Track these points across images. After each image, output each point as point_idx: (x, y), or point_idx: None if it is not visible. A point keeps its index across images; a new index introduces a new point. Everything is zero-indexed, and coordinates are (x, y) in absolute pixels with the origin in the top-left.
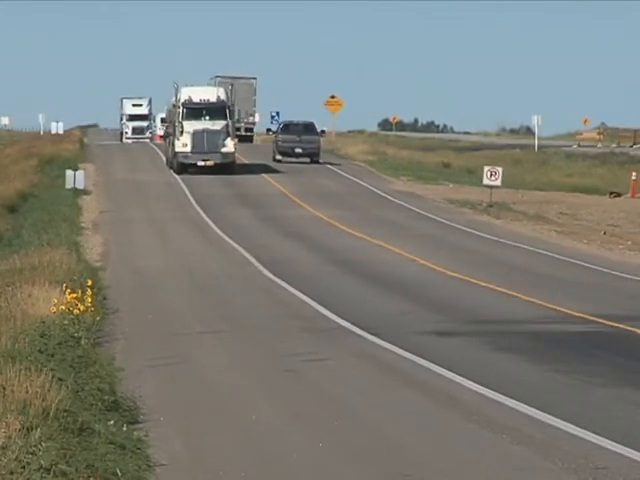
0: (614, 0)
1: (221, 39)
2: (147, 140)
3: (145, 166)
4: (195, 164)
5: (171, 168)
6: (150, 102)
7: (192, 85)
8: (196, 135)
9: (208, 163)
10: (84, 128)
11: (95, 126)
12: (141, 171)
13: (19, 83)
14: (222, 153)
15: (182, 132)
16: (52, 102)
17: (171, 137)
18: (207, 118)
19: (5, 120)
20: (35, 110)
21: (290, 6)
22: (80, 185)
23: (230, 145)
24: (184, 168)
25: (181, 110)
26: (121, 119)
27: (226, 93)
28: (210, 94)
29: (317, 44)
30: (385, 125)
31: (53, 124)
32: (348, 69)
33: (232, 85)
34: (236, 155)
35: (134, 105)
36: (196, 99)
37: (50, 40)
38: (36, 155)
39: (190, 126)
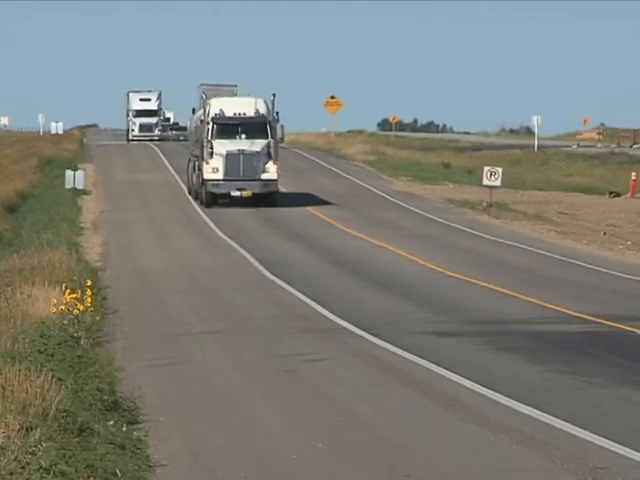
0: (614, 0)
1: (221, 39)
2: (156, 138)
3: (147, 167)
4: (228, 194)
5: (196, 199)
6: (160, 96)
7: (223, 95)
8: (230, 158)
9: (244, 193)
10: (84, 128)
11: (95, 126)
12: (142, 172)
13: (19, 83)
14: (262, 181)
15: (212, 154)
16: (52, 102)
17: (197, 160)
18: (243, 136)
19: (5, 120)
20: (35, 110)
21: (290, 6)
22: (80, 185)
23: (272, 170)
24: (214, 199)
25: (210, 126)
26: (127, 115)
27: (266, 105)
28: (247, 106)
29: (317, 44)
30: (385, 125)
31: (53, 124)
32: (348, 69)
33: (218, 94)
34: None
35: (142, 100)
36: (229, 112)
37: (50, 40)
38: (36, 155)
39: (222, 147)
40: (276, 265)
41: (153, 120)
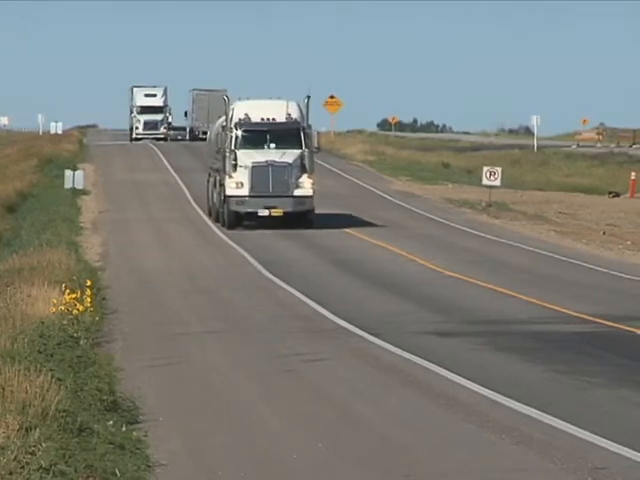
0: (614, 0)
1: (222, 39)
2: (161, 137)
3: (146, 167)
4: (255, 213)
5: (217, 221)
6: (165, 92)
7: (249, 98)
8: (257, 171)
9: (274, 212)
10: (83, 128)
11: (94, 126)
12: (142, 172)
13: (18, 83)
14: (295, 197)
15: (235, 166)
16: (51, 102)
17: (217, 175)
18: (273, 145)
19: (4, 120)
20: (34, 110)
21: (290, 6)
22: (79, 185)
23: (307, 185)
24: (237, 220)
25: (234, 134)
26: (131, 112)
27: (299, 108)
28: (277, 110)
29: (317, 44)
30: (384, 125)
31: (52, 124)
32: (348, 69)
33: (209, 98)
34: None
35: (147, 95)
36: (256, 117)
37: (49, 40)
38: (35, 155)
39: (247, 157)
40: (275, 265)
41: (158, 117)
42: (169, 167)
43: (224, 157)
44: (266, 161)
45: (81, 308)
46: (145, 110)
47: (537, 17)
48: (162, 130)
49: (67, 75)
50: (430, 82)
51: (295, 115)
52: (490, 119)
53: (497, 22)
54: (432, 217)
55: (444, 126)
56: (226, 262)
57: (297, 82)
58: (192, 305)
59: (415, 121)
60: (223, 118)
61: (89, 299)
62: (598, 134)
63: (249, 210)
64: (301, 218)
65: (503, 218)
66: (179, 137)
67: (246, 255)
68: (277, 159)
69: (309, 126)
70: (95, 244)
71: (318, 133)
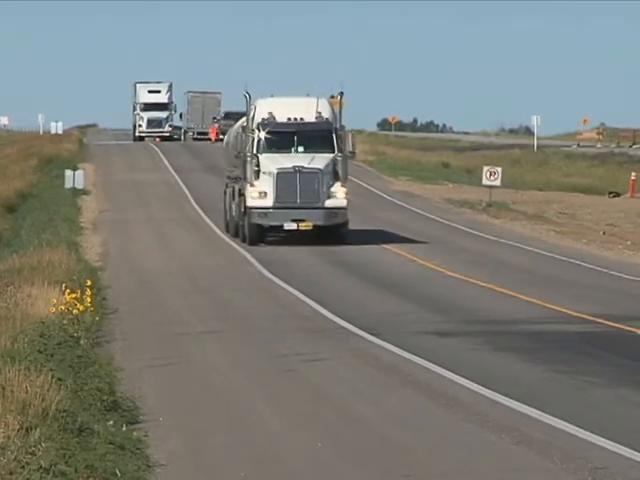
0: (614, 0)
1: (221, 39)
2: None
3: (146, 167)
4: (281, 226)
5: (236, 235)
6: (170, 88)
7: (273, 95)
8: (282, 178)
9: (303, 226)
10: (83, 128)
11: (94, 126)
12: (142, 172)
13: (18, 83)
14: (327, 209)
15: (258, 173)
16: (51, 102)
17: (235, 184)
18: (301, 149)
19: (4, 120)
20: (34, 110)
21: (290, 6)
22: (79, 185)
23: (340, 195)
24: (260, 234)
25: (256, 136)
26: (134, 109)
27: (331, 107)
28: (305, 108)
29: (317, 44)
30: (384, 125)
31: (52, 124)
32: (347, 69)
33: (203, 100)
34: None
35: (150, 92)
36: (282, 117)
37: (49, 40)
38: (35, 155)
39: (272, 163)
40: (275, 265)
41: (163, 115)
42: (169, 167)
43: (244, 163)
44: (293, 167)
45: (81, 308)
46: (149, 107)
47: (537, 17)
48: (167, 128)
49: (67, 75)
50: (430, 82)
51: (326, 114)
52: (490, 119)
53: (497, 22)
54: (432, 217)
55: (444, 126)
56: (226, 262)
57: (297, 82)
58: (192, 305)
59: (415, 121)
60: (244, 118)
61: (89, 299)
62: (598, 134)
63: (273, 223)
64: (333, 233)
65: (503, 218)
66: (175, 136)
67: (246, 255)
68: (306, 164)
69: (342, 127)
70: (95, 244)
71: (352, 135)
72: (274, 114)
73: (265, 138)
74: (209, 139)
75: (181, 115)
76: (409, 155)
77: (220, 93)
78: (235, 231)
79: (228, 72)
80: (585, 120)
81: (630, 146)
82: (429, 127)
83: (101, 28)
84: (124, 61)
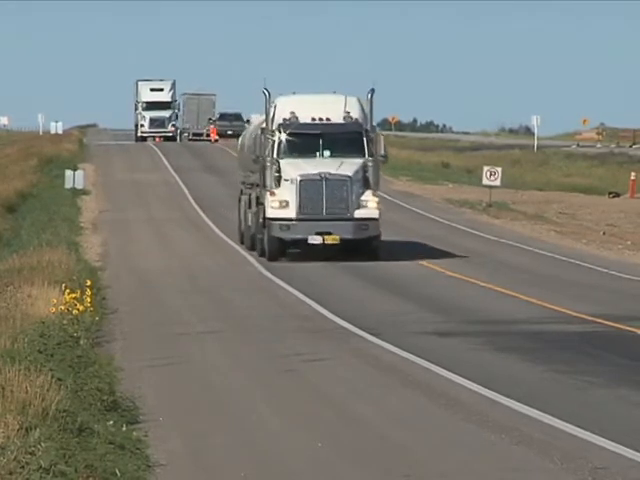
0: (614, 0)
1: (222, 39)
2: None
3: (146, 167)
4: (305, 240)
5: (252, 248)
6: (174, 86)
7: (295, 92)
8: (306, 186)
9: (329, 239)
10: (83, 128)
11: (94, 126)
12: (142, 172)
13: (18, 83)
14: (356, 220)
15: (279, 180)
16: (51, 102)
17: (252, 190)
18: (327, 154)
19: (4, 120)
20: (34, 110)
21: (289, 6)
22: (79, 185)
23: (371, 205)
24: (280, 249)
25: (277, 138)
26: (135, 108)
27: (361, 106)
28: (332, 108)
29: (316, 44)
30: (384, 125)
31: (52, 124)
32: (347, 69)
33: (198, 101)
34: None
35: (153, 90)
36: (305, 117)
37: (49, 39)
38: (35, 155)
39: (295, 169)
40: (275, 264)
41: (166, 114)
42: (169, 167)
43: (263, 168)
44: (319, 174)
45: (81, 308)
46: (151, 106)
47: (537, 17)
48: (170, 128)
49: (67, 74)
50: (430, 82)
51: (356, 114)
52: (490, 119)
53: (497, 22)
54: (432, 217)
55: (444, 126)
56: (226, 262)
57: (297, 82)
58: (192, 305)
59: (415, 121)
60: (262, 119)
61: (89, 299)
62: (598, 134)
63: (296, 236)
64: (363, 247)
65: (503, 218)
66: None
67: (246, 255)
68: (333, 171)
69: (373, 128)
70: (95, 244)
71: (384, 137)
72: (297, 114)
73: (287, 141)
74: (208, 139)
75: (177, 116)
76: (409, 155)
77: (215, 95)
78: (251, 243)
79: (228, 72)
80: (585, 120)
81: (630, 146)
82: (429, 127)
83: (101, 28)
84: (124, 61)
